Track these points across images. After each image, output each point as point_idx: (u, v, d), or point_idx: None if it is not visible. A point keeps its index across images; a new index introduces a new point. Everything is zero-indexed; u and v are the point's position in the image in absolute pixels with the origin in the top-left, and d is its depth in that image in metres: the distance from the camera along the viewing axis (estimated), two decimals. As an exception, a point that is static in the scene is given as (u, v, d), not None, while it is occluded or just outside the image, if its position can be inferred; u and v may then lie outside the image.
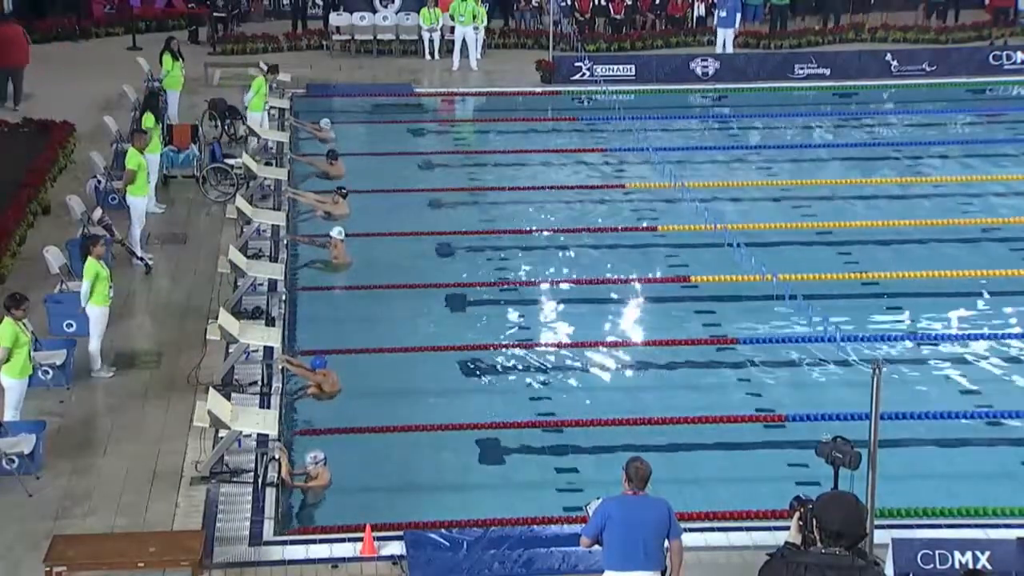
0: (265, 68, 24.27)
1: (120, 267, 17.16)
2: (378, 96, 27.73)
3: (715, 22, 30.89)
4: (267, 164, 21.65)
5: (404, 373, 15.38)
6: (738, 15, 30.14)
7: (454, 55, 29.72)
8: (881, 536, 10.67)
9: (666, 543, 9.56)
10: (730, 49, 29.93)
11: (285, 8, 33.94)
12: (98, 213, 17.73)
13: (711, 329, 16.58)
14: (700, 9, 32.64)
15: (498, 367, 15.64)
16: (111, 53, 30.19)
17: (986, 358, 15.88)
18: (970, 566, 10.71)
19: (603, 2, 32.76)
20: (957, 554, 10.78)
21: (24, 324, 13.01)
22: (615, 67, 28.77)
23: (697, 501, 12.20)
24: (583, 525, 9.93)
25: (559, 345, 16.30)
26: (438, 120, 27.49)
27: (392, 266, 18.53)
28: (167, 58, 23.95)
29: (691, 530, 11.29)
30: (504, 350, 16.06)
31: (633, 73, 28.74)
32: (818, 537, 6.68)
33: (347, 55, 30.94)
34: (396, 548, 11.33)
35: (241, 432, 12.69)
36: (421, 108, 27.77)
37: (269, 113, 24.44)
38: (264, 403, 13.99)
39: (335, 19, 31.29)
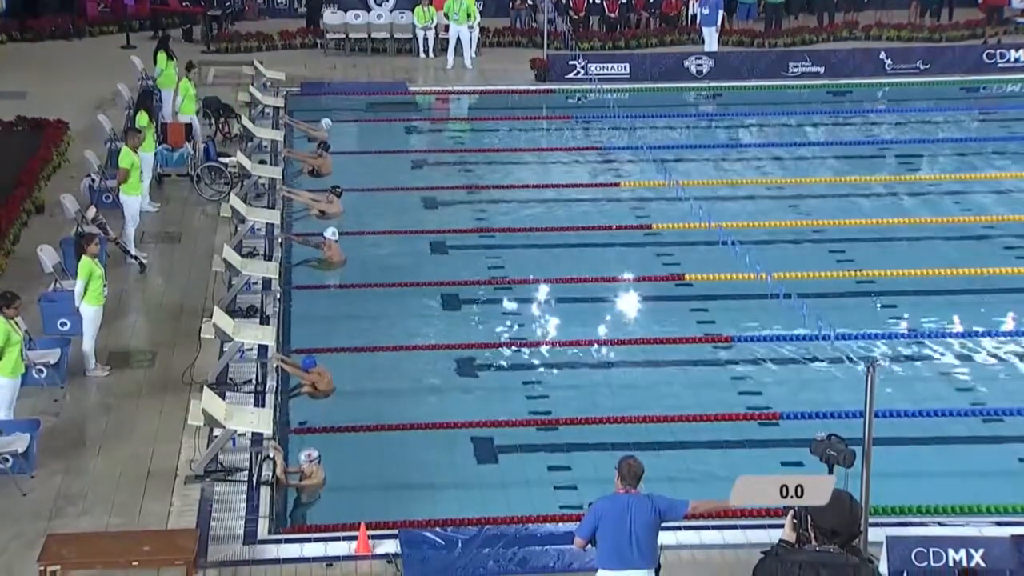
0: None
1: (114, 266, 17.13)
2: (372, 94, 27.66)
3: (699, 21, 30.90)
4: (261, 162, 21.62)
5: (399, 371, 15.37)
6: (720, 12, 30.12)
7: (448, 53, 29.67)
8: (875, 534, 10.63)
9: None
10: (715, 47, 29.91)
11: (279, 6, 33.91)
12: (92, 212, 17.69)
13: (705, 327, 16.58)
14: (694, 8, 32.60)
15: (492, 365, 15.64)
16: (105, 52, 30.12)
17: (981, 356, 15.89)
18: (964, 564, 10.72)
19: (597, 0, 32.74)
20: (951, 552, 10.77)
21: (16, 323, 13.00)
22: (609, 65, 28.75)
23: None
24: (578, 524, 9.91)
25: (554, 343, 16.30)
26: (432, 118, 27.48)
27: (386, 264, 18.52)
28: (161, 57, 23.90)
29: (686, 528, 11.31)
30: (498, 348, 16.07)
31: (627, 71, 28.71)
32: (812, 535, 6.68)
33: (341, 53, 30.87)
34: (391, 546, 11.33)
35: (235, 431, 12.69)
36: (415, 106, 27.76)
37: (263, 111, 24.44)
38: (258, 402, 13.97)
39: (329, 17, 31.26)
